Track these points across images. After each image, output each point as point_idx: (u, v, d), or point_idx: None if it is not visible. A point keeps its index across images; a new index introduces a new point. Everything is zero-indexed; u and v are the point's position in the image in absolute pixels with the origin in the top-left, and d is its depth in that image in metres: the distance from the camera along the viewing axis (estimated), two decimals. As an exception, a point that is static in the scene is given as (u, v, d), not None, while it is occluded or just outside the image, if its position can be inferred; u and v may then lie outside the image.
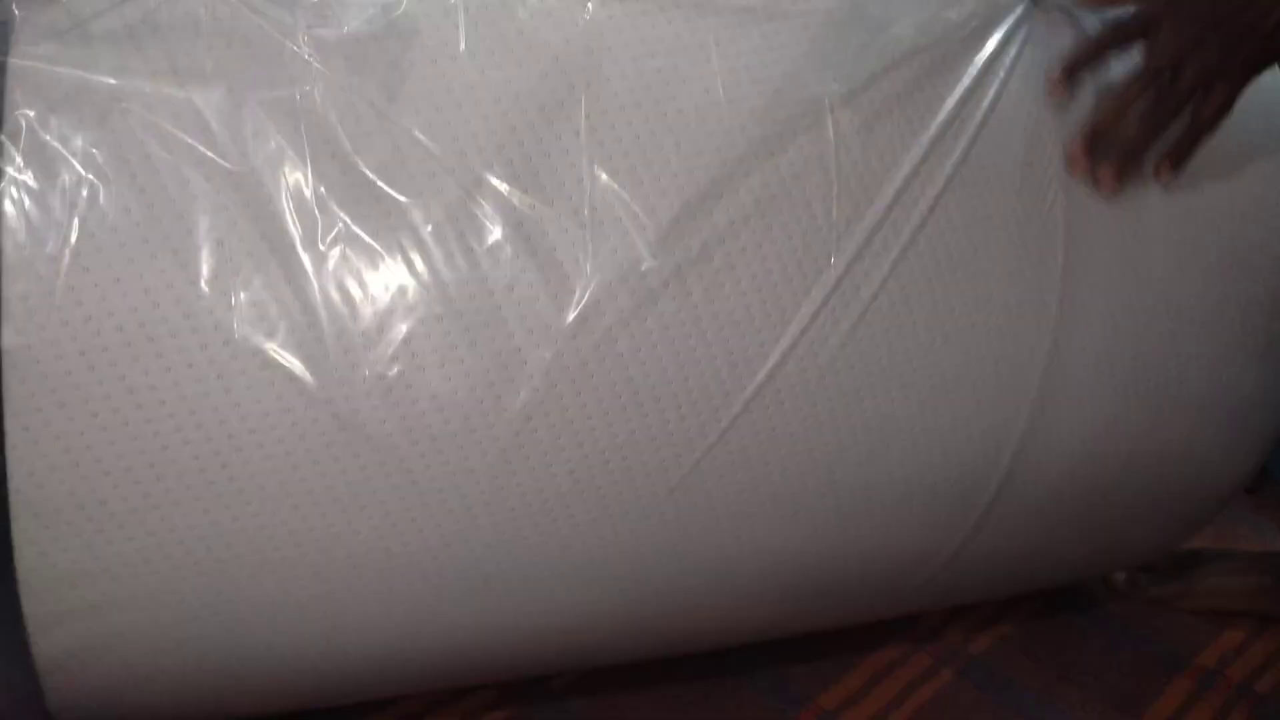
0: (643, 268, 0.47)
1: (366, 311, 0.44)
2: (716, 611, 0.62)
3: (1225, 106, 0.54)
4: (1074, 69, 0.55)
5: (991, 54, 0.56)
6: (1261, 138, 0.71)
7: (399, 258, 0.44)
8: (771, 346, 0.51)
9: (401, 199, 0.43)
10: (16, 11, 0.42)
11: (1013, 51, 0.57)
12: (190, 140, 0.42)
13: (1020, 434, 0.61)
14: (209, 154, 0.42)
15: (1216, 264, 0.69)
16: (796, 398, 0.53)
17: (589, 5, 0.46)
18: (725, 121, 0.49)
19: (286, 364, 0.43)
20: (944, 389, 0.57)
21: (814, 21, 0.51)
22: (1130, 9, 0.55)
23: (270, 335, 0.43)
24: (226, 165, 0.42)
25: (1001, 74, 0.56)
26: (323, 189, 0.43)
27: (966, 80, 0.55)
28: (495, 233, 0.45)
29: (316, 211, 0.43)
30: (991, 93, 0.56)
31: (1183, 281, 0.66)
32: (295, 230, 0.42)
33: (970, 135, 0.55)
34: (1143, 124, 0.53)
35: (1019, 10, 0.58)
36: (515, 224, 0.46)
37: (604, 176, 0.47)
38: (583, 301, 0.47)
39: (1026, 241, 0.58)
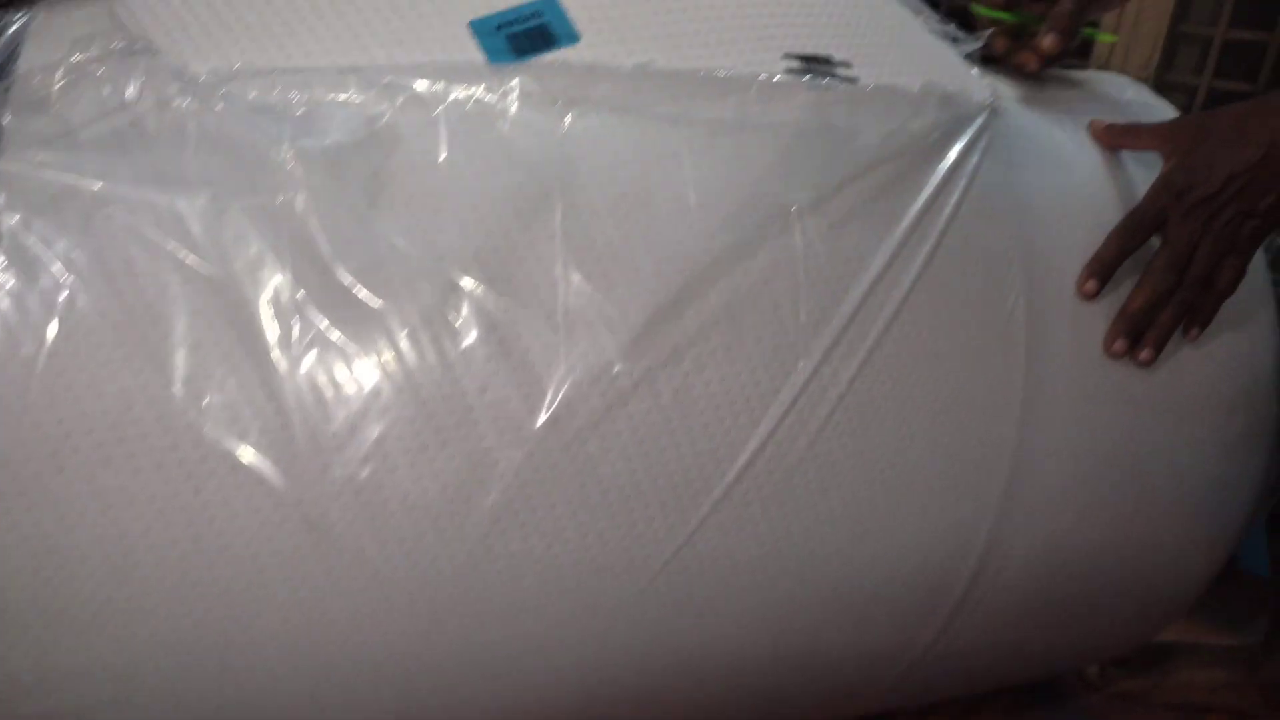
0: (614, 370, 0.48)
1: (339, 413, 0.44)
2: (688, 710, 0.61)
3: (1239, 276, 0.60)
4: (1101, 274, 0.59)
5: (953, 163, 0.58)
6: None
7: (374, 360, 0.45)
8: (740, 447, 0.52)
9: (377, 304, 0.44)
10: (8, 117, 0.43)
11: (974, 160, 0.59)
12: (171, 245, 0.42)
13: (988, 530, 0.62)
14: (189, 259, 0.42)
15: (1179, 360, 0.71)
16: (765, 498, 0.53)
17: (567, 118, 0.48)
18: (696, 227, 0.50)
19: (257, 466, 0.43)
20: (911, 487, 0.57)
21: (783, 132, 0.53)
22: (1140, 211, 0.60)
23: (242, 437, 0.43)
24: (206, 270, 0.42)
25: (963, 182, 0.59)
26: (301, 293, 0.43)
27: (929, 189, 0.57)
28: (469, 336, 0.46)
29: (294, 315, 0.43)
30: (954, 200, 0.58)
31: (1146, 376, 0.67)
32: (271, 333, 0.43)
33: (933, 241, 0.57)
34: (1172, 309, 0.59)
35: (980, 120, 0.61)
36: (489, 327, 0.46)
37: (578, 280, 0.48)
38: (554, 403, 0.48)
39: (989, 343, 0.59)
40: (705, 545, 0.53)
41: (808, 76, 0.55)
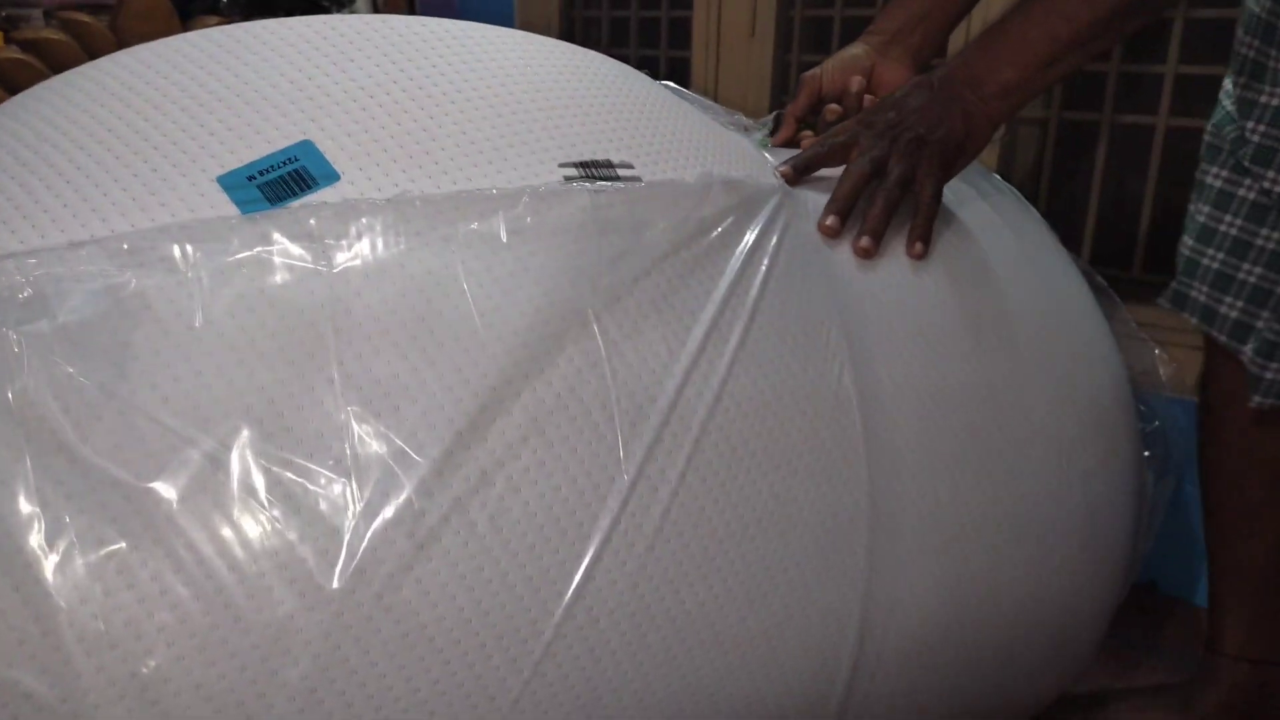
0: (416, 507, 0.46)
1: (113, 612, 0.40)
2: None
3: (936, 188, 0.69)
4: (800, 171, 0.69)
5: (751, 245, 0.58)
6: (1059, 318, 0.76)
7: (147, 545, 0.41)
8: (575, 563, 0.49)
9: (138, 483, 0.41)
10: None
11: (773, 239, 0.60)
12: (-106, 455, 0.39)
13: (859, 614, 0.59)
14: (-84, 467, 0.39)
15: (1019, 397, 0.70)
16: (611, 612, 0.50)
17: (334, 256, 0.47)
18: (488, 346, 0.49)
19: (18, 681, 0.39)
20: (765, 577, 0.55)
21: (565, 237, 0.52)
22: (835, 135, 0.71)
23: (2, 657, 0.39)
24: (-65, 476, 0.39)
25: (766, 261, 0.59)
26: (50, 487, 0.40)
27: (730, 273, 0.57)
28: (252, 497, 0.43)
29: (44, 512, 0.40)
30: (758, 280, 0.58)
31: (987, 420, 0.67)
32: (20, 534, 0.39)
33: (744, 321, 0.56)
34: (880, 201, 0.67)
35: (774, 200, 0.62)
36: (273, 483, 0.44)
37: (364, 421, 0.45)
38: (357, 554, 0.44)
39: (821, 412, 0.58)
40: (554, 675, 0.49)
41: (587, 184, 0.55)
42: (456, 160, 0.52)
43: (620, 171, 0.57)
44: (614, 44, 1.65)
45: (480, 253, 0.50)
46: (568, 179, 0.55)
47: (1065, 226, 1.15)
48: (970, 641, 0.65)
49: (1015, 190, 0.89)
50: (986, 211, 0.79)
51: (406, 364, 0.47)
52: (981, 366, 0.68)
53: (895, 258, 0.66)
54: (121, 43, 1.12)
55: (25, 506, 0.40)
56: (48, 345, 0.41)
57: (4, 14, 1.22)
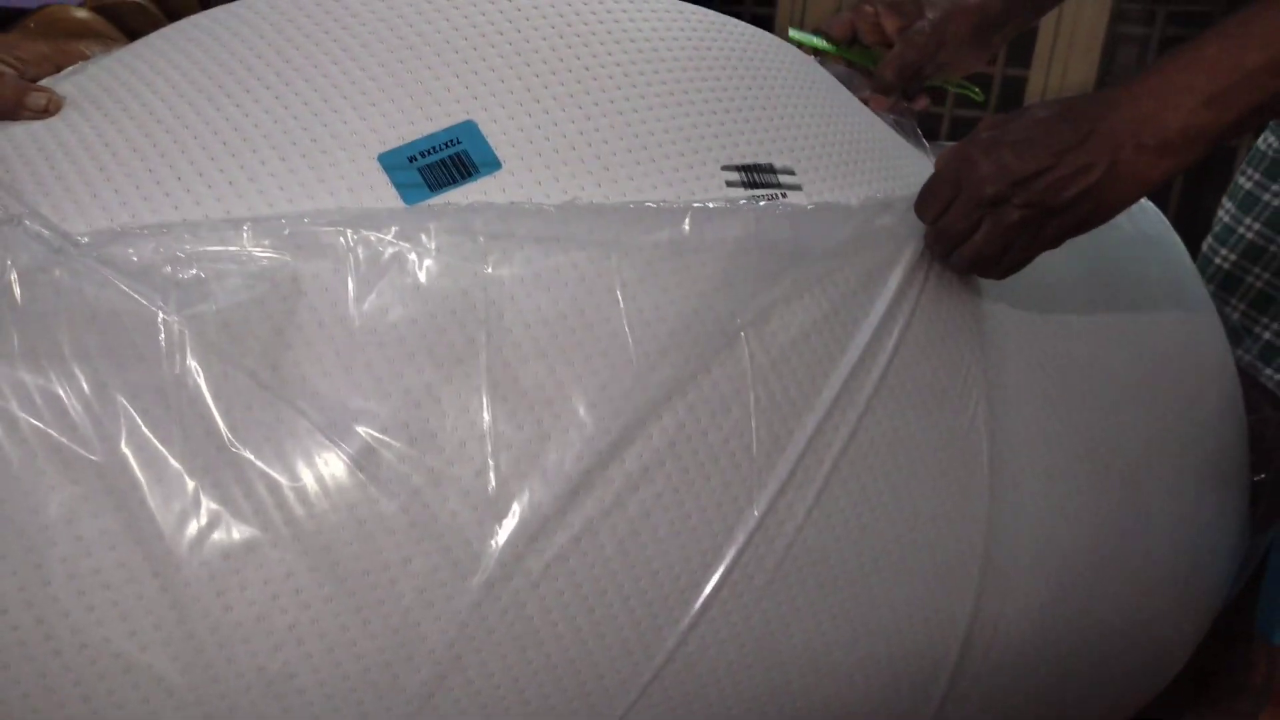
0: (551, 525, 0.44)
1: (242, 600, 0.40)
2: None
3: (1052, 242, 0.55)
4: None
5: (907, 271, 0.55)
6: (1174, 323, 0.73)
7: (279, 537, 0.40)
8: (694, 593, 0.48)
9: (281, 479, 0.40)
10: None
11: (924, 269, 0.57)
12: (46, 428, 0.38)
13: (957, 653, 0.58)
14: (66, 442, 0.38)
15: (1138, 428, 0.68)
16: (723, 642, 0.49)
17: (490, 257, 0.44)
18: (635, 364, 0.47)
19: (151, 665, 0.39)
20: (874, 618, 0.54)
21: (722, 250, 0.49)
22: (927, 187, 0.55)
23: (132, 635, 0.39)
24: (87, 454, 0.38)
25: (915, 292, 0.56)
26: (196, 473, 0.39)
27: (883, 302, 0.54)
28: (389, 502, 0.42)
29: (187, 497, 0.39)
30: (907, 309, 0.55)
31: (1110, 450, 0.65)
32: (163, 519, 0.39)
33: (888, 355, 0.54)
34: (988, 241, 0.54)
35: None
36: (412, 492, 0.42)
37: (508, 431, 0.44)
38: (488, 568, 0.44)
39: (952, 455, 0.56)
40: (660, 699, 0.49)
41: (746, 190, 0.52)
42: (624, 163, 0.49)
43: (782, 179, 0.54)
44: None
45: (636, 264, 0.47)
46: (729, 184, 0.51)
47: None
48: (1067, 657, 0.65)
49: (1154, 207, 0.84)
50: (1132, 234, 0.75)
51: (553, 377, 0.45)
52: (1111, 417, 0.65)
53: (1037, 294, 0.63)
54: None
55: (171, 492, 0.39)
56: (207, 331, 0.39)
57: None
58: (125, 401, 0.38)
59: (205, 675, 0.40)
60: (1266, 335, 0.91)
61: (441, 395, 0.43)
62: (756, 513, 0.49)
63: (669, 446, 0.47)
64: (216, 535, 0.40)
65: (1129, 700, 0.81)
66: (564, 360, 0.45)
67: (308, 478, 0.41)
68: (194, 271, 0.39)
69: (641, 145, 0.50)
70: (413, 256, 0.43)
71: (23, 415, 0.38)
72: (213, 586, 0.40)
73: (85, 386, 0.38)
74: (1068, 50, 1.24)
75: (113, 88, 0.46)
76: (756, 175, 0.53)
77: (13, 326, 0.38)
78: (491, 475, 0.44)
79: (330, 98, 0.46)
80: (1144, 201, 0.82)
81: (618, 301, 0.47)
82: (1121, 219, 0.72)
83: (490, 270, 0.44)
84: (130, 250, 0.39)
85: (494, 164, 0.46)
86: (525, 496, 0.44)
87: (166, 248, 0.40)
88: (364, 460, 0.41)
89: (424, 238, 0.43)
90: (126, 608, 0.39)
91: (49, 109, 0.44)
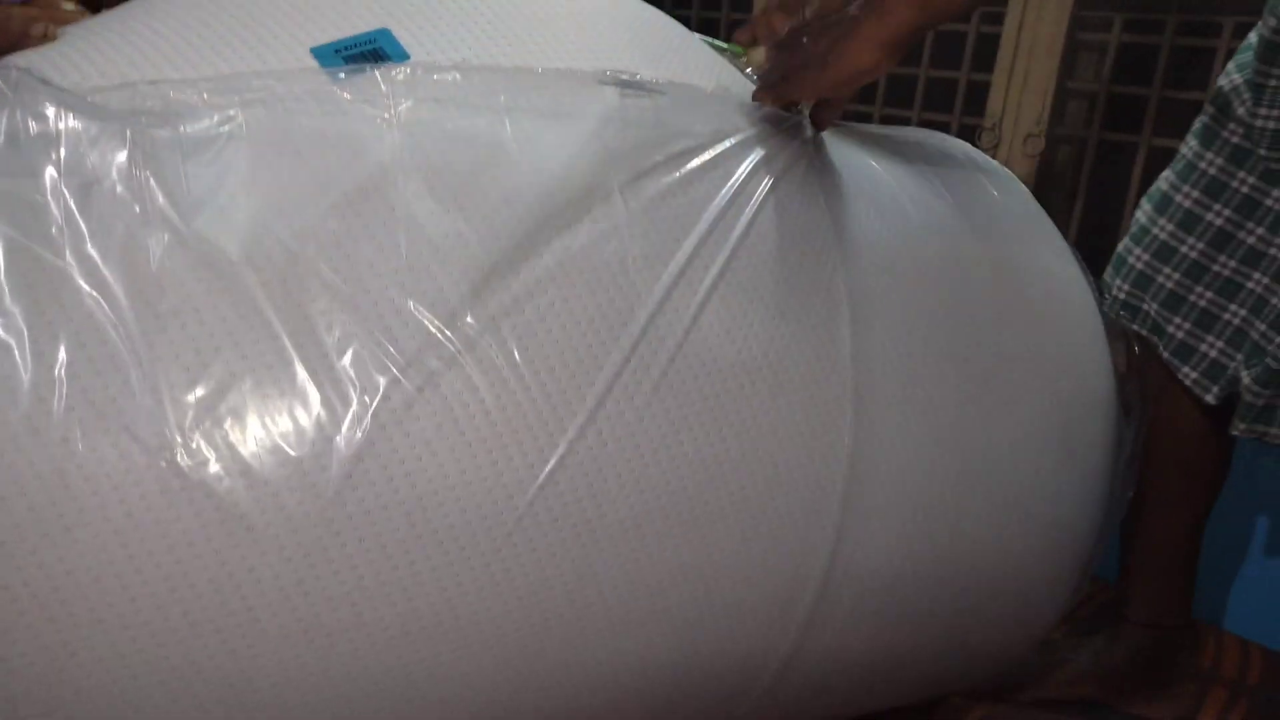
0: (461, 317, 0.53)
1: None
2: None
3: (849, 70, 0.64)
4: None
5: (766, 155, 0.67)
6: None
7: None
8: (587, 389, 0.56)
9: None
10: None
11: (787, 154, 0.68)
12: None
13: (835, 519, 0.66)
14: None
15: (1007, 362, 0.77)
16: (618, 439, 0.57)
17: (401, 111, 0.56)
18: (526, 202, 0.57)
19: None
20: (759, 434, 0.62)
21: (596, 124, 0.61)
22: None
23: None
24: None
25: (779, 167, 0.67)
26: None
27: (741, 174, 0.65)
28: (321, 302, 0.51)
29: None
30: (767, 183, 0.66)
31: (972, 378, 0.74)
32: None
33: (748, 215, 0.64)
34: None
35: (794, 121, 0.70)
36: (336, 299, 0.52)
37: (417, 252, 0.54)
38: (409, 350, 0.52)
39: (814, 307, 0.66)
40: (567, 483, 0.56)
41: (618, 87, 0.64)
42: (517, 51, 0.61)
43: (655, 92, 0.66)
44: (678, 5, 1.75)
45: (522, 123, 0.59)
46: (601, 83, 0.64)
47: (1099, 244, 1.22)
48: (939, 576, 0.72)
49: (1014, 176, 0.96)
50: (992, 196, 0.87)
51: (450, 216, 0.55)
52: (973, 335, 0.75)
53: (893, 198, 0.74)
54: None
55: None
56: (168, 149, 0.50)
57: None
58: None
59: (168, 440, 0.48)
60: (1180, 335, 0.99)
61: (353, 225, 0.53)
62: (640, 322, 0.58)
63: (558, 265, 0.57)
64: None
65: (997, 649, 0.86)
66: (458, 202, 0.56)
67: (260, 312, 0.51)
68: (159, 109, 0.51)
69: (530, 53, 0.62)
70: (330, 104, 0.54)
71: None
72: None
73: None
74: (1028, 57, 1.39)
75: (106, 22, 0.59)
76: (632, 87, 0.65)
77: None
78: (406, 278, 0.53)
79: (277, 17, 0.59)
80: (1008, 174, 0.95)
81: (510, 155, 0.58)
82: (980, 178, 0.85)
83: (399, 120, 0.56)
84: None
85: (403, 55, 0.59)
86: (435, 292, 0.53)
87: (141, 95, 0.51)
88: (282, 280, 0.51)
89: (339, 91, 0.55)
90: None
91: (48, 36, 0.57)
